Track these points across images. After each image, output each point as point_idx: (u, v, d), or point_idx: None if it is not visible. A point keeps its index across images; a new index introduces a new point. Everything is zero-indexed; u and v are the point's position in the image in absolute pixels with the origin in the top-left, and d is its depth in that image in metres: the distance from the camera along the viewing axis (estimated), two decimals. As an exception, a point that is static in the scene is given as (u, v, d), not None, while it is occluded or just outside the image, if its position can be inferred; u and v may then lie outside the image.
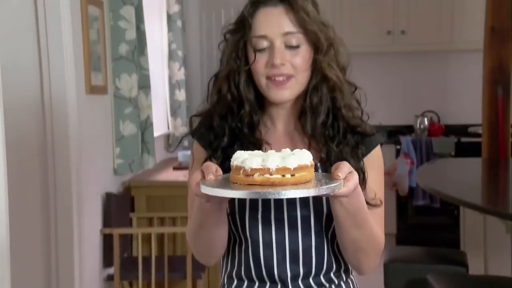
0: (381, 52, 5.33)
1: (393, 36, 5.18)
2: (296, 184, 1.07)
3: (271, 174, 1.06)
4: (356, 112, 1.33)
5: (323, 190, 1.06)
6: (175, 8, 4.59)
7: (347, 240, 1.25)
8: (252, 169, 1.06)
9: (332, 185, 1.08)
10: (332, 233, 1.30)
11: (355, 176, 1.12)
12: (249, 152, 1.12)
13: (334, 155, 1.27)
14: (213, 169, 1.11)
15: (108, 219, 3.24)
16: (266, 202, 1.28)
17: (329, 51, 1.27)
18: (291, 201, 1.27)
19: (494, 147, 4.10)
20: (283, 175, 1.06)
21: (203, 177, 1.11)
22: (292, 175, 1.06)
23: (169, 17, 4.60)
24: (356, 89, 1.34)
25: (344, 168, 1.11)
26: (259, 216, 1.28)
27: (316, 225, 1.29)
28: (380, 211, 1.31)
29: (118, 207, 3.31)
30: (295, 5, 1.24)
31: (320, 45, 1.26)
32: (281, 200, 1.27)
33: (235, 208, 1.28)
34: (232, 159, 1.11)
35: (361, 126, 1.30)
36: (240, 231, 1.30)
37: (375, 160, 1.33)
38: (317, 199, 1.27)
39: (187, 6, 5.20)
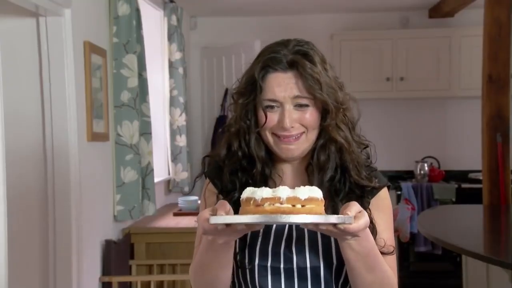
0: (381, 98, 5.37)
1: (392, 83, 5.23)
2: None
3: (281, 203, 1.05)
4: (365, 165, 1.33)
5: (333, 219, 1.06)
6: (177, 55, 4.65)
7: (360, 285, 1.24)
8: (262, 198, 1.06)
9: (342, 216, 1.07)
10: (343, 283, 1.30)
11: (365, 216, 1.12)
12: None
13: (340, 209, 1.26)
14: (226, 208, 1.12)
15: (107, 267, 3.21)
16: (276, 251, 1.28)
17: (338, 114, 1.28)
18: (301, 251, 1.27)
19: (495, 194, 4.10)
20: (294, 205, 1.06)
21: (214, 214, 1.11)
22: (302, 206, 1.06)
23: (171, 64, 4.65)
24: (365, 147, 1.35)
25: (354, 207, 1.11)
26: (269, 266, 1.28)
27: (326, 275, 1.28)
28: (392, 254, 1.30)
29: (117, 255, 3.28)
30: (304, 72, 1.24)
31: (329, 109, 1.26)
32: (291, 249, 1.27)
33: (245, 258, 1.29)
34: (242, 195, 1.11)
35: (369, 185, 1.30)
36: (249, 281, 1.30)
37: (382, 200, 1.33)
38: (326, 249, 1.27)
39: (188, 53, 5.27)
